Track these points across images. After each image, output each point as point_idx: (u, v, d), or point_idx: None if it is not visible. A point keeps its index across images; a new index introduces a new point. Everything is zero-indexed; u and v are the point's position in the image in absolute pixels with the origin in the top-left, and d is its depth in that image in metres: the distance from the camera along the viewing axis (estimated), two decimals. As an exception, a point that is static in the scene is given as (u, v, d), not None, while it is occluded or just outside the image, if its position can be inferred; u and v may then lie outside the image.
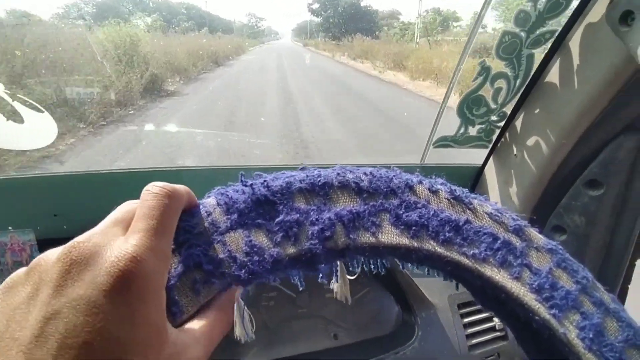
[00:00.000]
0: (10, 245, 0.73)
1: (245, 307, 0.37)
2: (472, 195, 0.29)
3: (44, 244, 0.75)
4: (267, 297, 0.75)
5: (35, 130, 0.65)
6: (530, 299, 0.26)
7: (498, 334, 0.77)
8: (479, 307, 0.78)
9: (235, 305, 0.26)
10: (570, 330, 0.25)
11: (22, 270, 0.20)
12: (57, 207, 0.78)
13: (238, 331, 0.38)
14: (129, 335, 0.18)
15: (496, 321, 0.77)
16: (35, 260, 0.20)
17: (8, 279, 0.20)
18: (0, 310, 0.19)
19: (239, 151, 4.11)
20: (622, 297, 0.72)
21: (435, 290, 0.78)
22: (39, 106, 0.65)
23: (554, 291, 0.26)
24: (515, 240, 0.27)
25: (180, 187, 0.24)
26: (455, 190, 0.29)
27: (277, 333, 0.74)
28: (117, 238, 0.20)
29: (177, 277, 0.22)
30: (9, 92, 0.63)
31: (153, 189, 0.23)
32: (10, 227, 0.75)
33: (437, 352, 0.72)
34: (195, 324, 0.22)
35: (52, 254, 0.20)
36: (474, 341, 0.75)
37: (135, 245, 0.20)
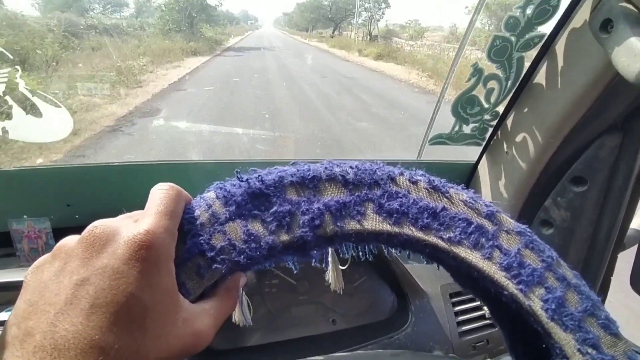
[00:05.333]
0: (27, 232, 0.77)
1: (245, 295, 0.41)
2: (449, 185, 0.31)
3: (57, 232, 0.79)
4: (270, 284, 0.79)
5: (52, 124, 0.69)
6: (499, 276, 0.28)
7: (487, 321, 0.81)
8: (469, 296, 0.83)
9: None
10: (535, 303, 0.27)
11: (47, 254, 0.24)
12: (70, 197, 0.82)
13: (237, 316, 0.42)
14: (147, 296, 0.21)
15: (486, 310, 0.82)
16: (58, 243, 0.23)
17: (36, 262, 0.23)
18: (33, 286, 0.22)
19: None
20: (605, 287, 0.76)
21: (429, 280, 0.82)
22: (57, 101, 0.69)
23: (522, 269, 0.28)
24: (487, 225, 0.29)
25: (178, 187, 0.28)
26: (433, 180, 0.31)
27: (279, 318, 0.79)
28: (130, 222, 0.24)
29: (184, 262, 0.25)
30: (29, 87, 0.67)
31: (160, 186, 0.27)
32: (25, 216, 0.79)
33: (429, 338, 0.76)
34: (203, 301, 0.26)
35: (74, 237, 0.23)
36: (465, 328, 0.79)
37: (148, 223, 0.23)
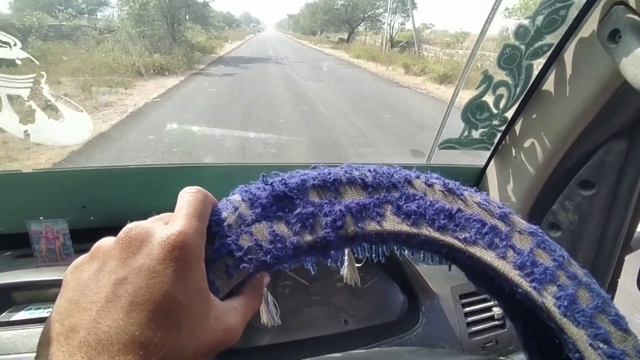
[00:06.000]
0: (45, 233, 0.79)
1: (270, 295, 0.42)
2: (464, 187, 0.33)
3: (73, 234, 0.80)
4: (283, 285, 0.81)
5: (73, 128, 0.71)
6: (514, 274, 0.29)
7: (496, 322, 0.82)
8: (479, 297, 0.84)
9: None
10: (548, 300, 0.29)
11: (84, 255, 0.25)
12: (86, 199, 0.83)
13: (265, 318, 0.43)
14: (181, 294, 0.22)
15: (495, 311, 0.83)
16: (95, 245, 0.25)
17: (74, 262, 0.25)
18: (74, 285, 0.23)
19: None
20: (612, 289, 0.77)
21: (439, 281, 0.84)
22: (79, 106, 0.71)
23: (534, 267, 0.29)
24: (501, 225, 0.31)
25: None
26: (448, 183, 0.33)
27: (291, 318, 0.80)
28: (162, 224, 0.25)
29: (213, 262, 0.26)
30: (53, 92, 0.69)
31: (188, 190, 0.28)
32: (41, 217, 0.80)
33: (440, 338, 0.78)
34: (232, 299, 0.27)
35: (110, 239, 0.25)
36: (474, 329, 0.80)
37: (180, 224, 0.25)
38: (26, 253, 0.81)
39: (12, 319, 0.67)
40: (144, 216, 0.28)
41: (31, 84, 0.64)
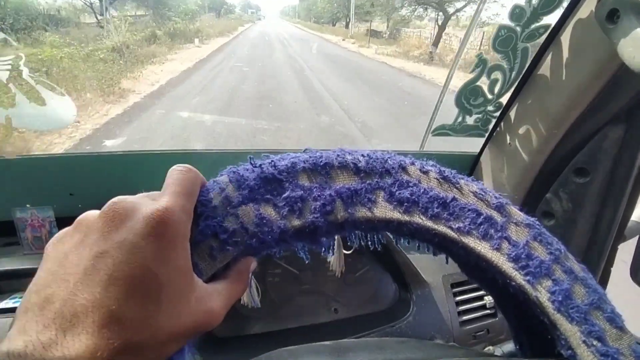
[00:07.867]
0: (30, 221, 0.77)
1: (253, 278, 0.41)
2: (460, 175, 0.32)
3: (60, 222, 0.79)
4: (273, 273, 0.80)
5: (55, 113, 0.69)
6: (508, 267, 0.28)
7: (488, 311, 0.82)
8: (471, 286, 0.84)
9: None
10: (542, 294, 0.28)
11: (68, 227, 0.24)
12: (73, 186, 0.82)
13: (245, 298, 0.42)
14: (162, 272, 0.22)
15: (486, 300, 0.83)
16: (79, 217, 0.24)
17: (57, 234, 0.24)
18: (54, 256, 0.22)
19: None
20: (605, 278, 0.77)
21: (430, 270, 0.83)
22: (61, 90, 0.69)
23: (529, 260, 0.28)
24: (496, 216, 0.30)
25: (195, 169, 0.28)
26: (444, 171, 0.31)
27: (282, 307, 0.79)
28: (149, 200, 0.25)
29: (197, 244, 0.25)
30: (33, 75, 0.67)
31: (179, 167, 0.27)
32: (28, 205, 0.79)
33: (430, 327, 0.77)
34: (216, 282, 0.26)
35: (94, 212, 0.24)
36: (465, 318, 0.80)
37: (166, 201, 0.24)
38: (12, 241, 0.80)
39: (-3, 307, 0.66)
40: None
41: (9, 66, 0.62)
